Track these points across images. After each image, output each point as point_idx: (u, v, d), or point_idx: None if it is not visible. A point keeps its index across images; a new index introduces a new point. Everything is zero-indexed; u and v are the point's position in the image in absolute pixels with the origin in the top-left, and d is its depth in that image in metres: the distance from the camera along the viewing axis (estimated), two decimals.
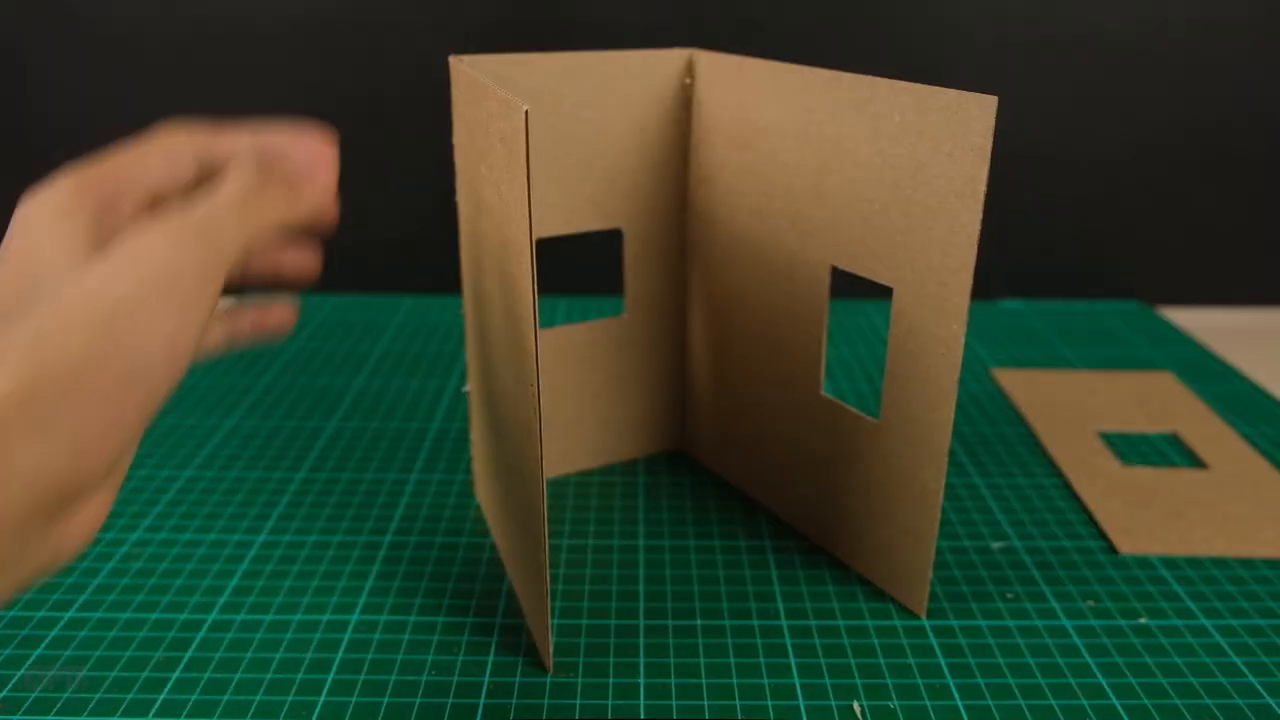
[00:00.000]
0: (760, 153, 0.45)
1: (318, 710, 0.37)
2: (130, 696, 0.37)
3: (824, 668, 0.39)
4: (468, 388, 0.49)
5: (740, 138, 0.46)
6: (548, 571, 0.37)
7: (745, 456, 0.52)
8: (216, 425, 0.59)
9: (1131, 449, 0.57)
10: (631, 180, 0.49)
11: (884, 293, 1.62)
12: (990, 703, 0.37)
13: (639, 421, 0.55)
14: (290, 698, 0.37)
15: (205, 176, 0.27)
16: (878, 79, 0.39)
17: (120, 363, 0.21)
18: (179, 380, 0.23)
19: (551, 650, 0.38)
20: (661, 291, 0.53)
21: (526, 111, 0.30)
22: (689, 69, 0.48)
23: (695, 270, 0.52)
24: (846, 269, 0.42)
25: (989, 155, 0.35)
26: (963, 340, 0.38)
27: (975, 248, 0.36)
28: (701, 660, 0.40)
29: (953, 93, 0.35)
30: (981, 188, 0.35)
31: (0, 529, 0.20)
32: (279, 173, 0.26)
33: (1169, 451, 0.57)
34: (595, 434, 0.54)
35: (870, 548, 0.45)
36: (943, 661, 0.40)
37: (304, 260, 0.31)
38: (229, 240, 0.24)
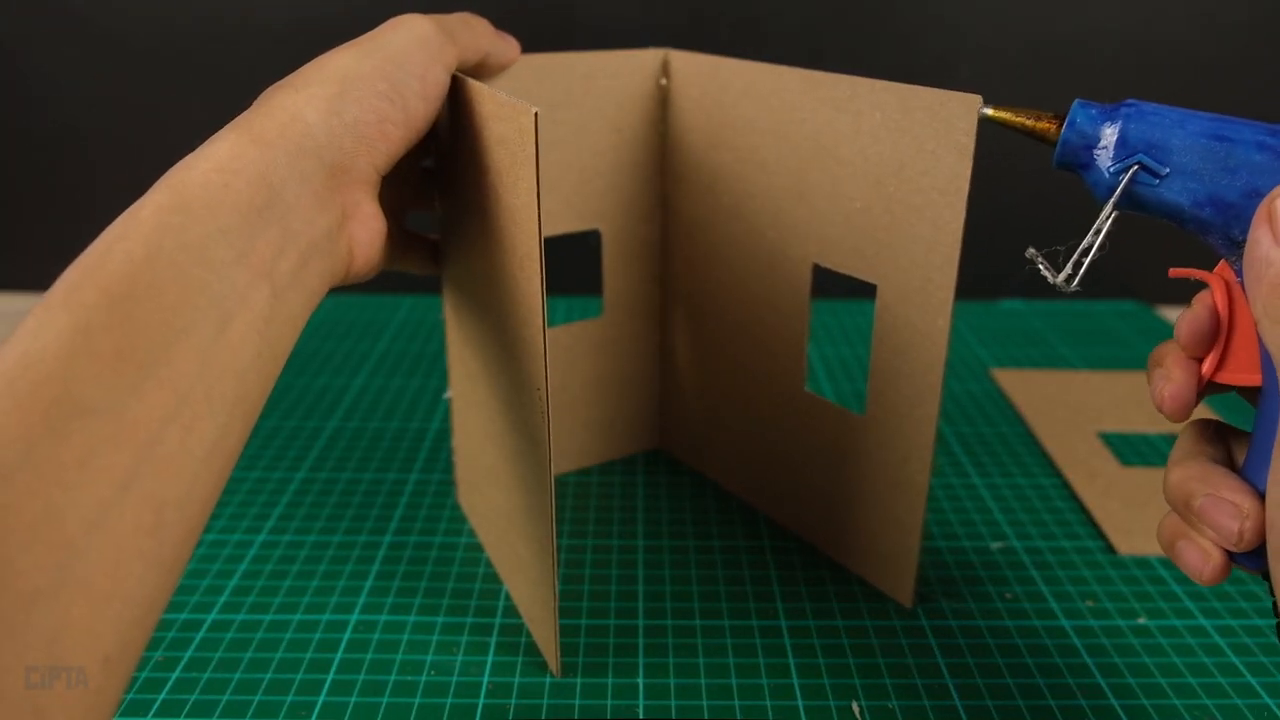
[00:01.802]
0: (739, 151, 0.45)
1: (317, 710, 0.37)
2: (130, 697, 0.37)
3: (823, 668, 0.39)
4: (449, 394, 0.48)
5: (718, 137, 0.46)
6: (556, 574, 0.36)
7: (728, 454, 0.52)
8: None
9: (1131, 449, 0.57)
10: (608, 181, 0.49)
11: (874, 293, 1.62)
12: (989, 703, 0.38)
13: (620, 422, 0.55)
14: (289, 698, 0.37)
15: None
16: (858, 78, 0.38)
17: (392, 75, 0.33)
18: (430, 111, 0.34)
19: (559, 653, 0.38)
20: (640, 292, 0.52)
21: (536, 114, 0.30)
22: (664, 69, 0.48)
23: (675, 270, 0.51)
24: (828, 266, 0.42)
25: (973, 152, 0.35)
26: (948, 334, 0.38)
27: (960, 243, 0.36)
28: (700, 660, 0.40)
29: (935, 91, 0.35)
30: (965, 185, 0.35)
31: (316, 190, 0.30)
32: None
33: (1168, 451, 0.57)
34: (575, 436, 0.54)
35: (856, 540, 0.45)
36: (941, 662, 0.40)
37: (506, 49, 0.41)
38: (459, 34, 0.37)
